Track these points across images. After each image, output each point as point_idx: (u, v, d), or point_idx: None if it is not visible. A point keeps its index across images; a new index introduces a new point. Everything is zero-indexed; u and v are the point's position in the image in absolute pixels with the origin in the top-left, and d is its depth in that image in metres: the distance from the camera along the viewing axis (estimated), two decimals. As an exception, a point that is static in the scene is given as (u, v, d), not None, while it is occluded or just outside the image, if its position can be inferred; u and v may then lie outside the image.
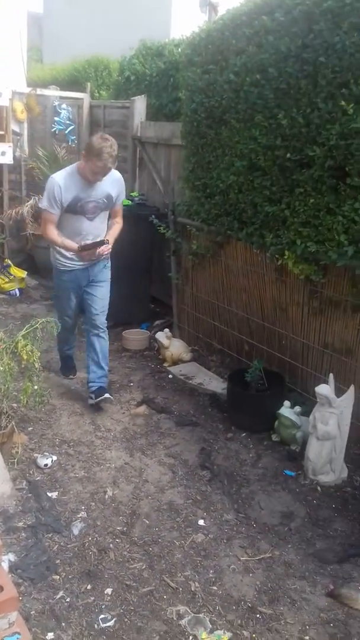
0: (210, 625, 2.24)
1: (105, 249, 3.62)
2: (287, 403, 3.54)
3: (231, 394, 3.89)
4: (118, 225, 3.84)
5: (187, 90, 4.34)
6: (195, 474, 3.22)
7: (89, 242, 3.57)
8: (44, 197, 3.55)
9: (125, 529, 2.75)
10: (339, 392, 3.19)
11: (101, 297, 3.83)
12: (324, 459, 3.16)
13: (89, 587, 2.41)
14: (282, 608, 2.35)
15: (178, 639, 2.18)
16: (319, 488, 3.14)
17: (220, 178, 4.03)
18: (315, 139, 3.14)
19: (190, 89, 4.28)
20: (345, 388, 3.22)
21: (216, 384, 4.27)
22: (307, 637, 2.22)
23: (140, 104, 6.06)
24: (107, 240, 3.63)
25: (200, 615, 2.29)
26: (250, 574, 2.52)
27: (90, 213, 3.59)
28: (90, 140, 3.35)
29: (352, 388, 3.19)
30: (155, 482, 3.12)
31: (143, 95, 6.11)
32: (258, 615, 2.30)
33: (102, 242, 3.58)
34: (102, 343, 3.86)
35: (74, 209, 3.52)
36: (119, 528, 2.76)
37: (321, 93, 3.07)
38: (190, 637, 2.19)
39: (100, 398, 3.76)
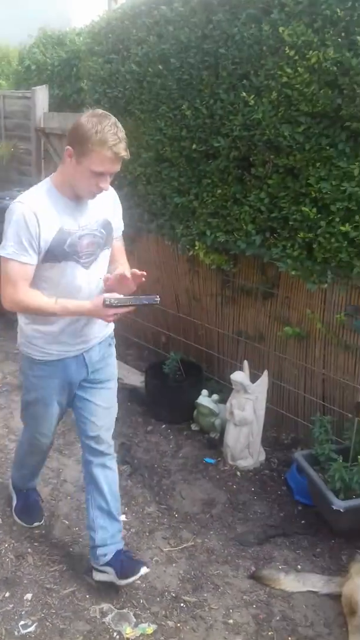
0: (135, 619, 2.23)
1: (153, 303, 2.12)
2: (204, 392, 3.58)
3: (149, 387, 3.89)
4: (123, 267, 2.29)
5: (90, 80, 4.27)
6: (116, 470, 3.19)
7: (118, 297, 2.03)
8: (6, 237, 2.00)
9: (43, 531, 2.68)
10: (254, 377, 3.27)
11: (107, 404, 2.38)
12: (242, 444, 3.23)
13: (7, 594, 2.33)
14: (205, 594, 2.38)
15: (102, 636, 2.16)
16: (238, 473, 3.21)
17: (128, 169, 3.99)
18: (220, 130, 3.18)
19: (93, 79, 4.20)
20: (259, 373, 3.30)
21: (135, 378, 4.24)
22: (230, 621, 2.26)
23: (42, 94, 5.88)
24: (157, 297, 2.12)
25: (124, 610, 2.27)
26: (174, 564, 2.53)
27: (85, 256, 2.10)
28: (76, 123, 1.96)
29: (265, 373, 3.28)
30: (74, 481, 3.06)
31: (45, 85, 5.94)
32: (182, 604, 2.32)
33: (153, 300, 2.09)
34: (110, 477, 2.40)
35: (59, 251, 2.03)
36: (37, 531, 2.68)
37: (223, 84, 3.11)
38: (115, 633, 2.17)
39: (132, 579, 2.31)
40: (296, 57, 2.71)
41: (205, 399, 3.53)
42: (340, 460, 2.66)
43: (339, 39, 2.58)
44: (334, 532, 2.72)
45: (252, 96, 2.93)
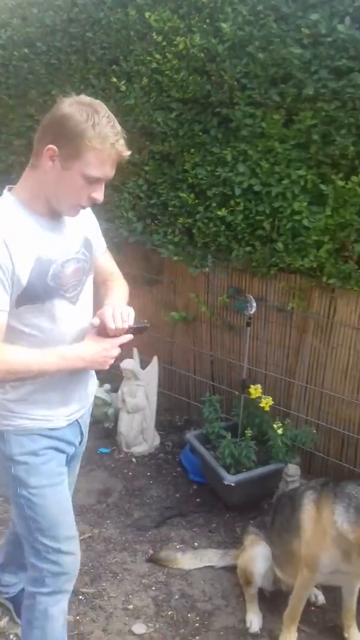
0: (33, 620, 2.18)
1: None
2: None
3: (39, 382, 3.79)
4: (118, 283, 1.94)
5: None
6: (7, 470, 3.08)
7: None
8: None
9: None
10: (145, 364, 3.28)
11: (72, 480, 2.03)
12: (136, 431, 3.25)
13: None
14: (104, 584, 2.37)
15: (-1, 642, 2.10)
16: (133, 459, 3.22)
17: (0, 158, 3.83)
18: (93, 116, 3.13)
19: None
20: (150, 360, 3.32)
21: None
22: (130, 606, 2.27)
23: None
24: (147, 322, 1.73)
25: (21, 612, 2.22)
26: (71, 559, 2.50)
27: (71, 288, 1.59)
28: (61, 115, 1.43)
29: (155, 359, 3.31)
30: None
31: None
32: (81, 597, 2.30)
33: (144, 327, 1.66)
34: None
35: (41, 288, 1.50)
36: None
37: (92, 69, 3.06)
38: (12, 636, 2.11)
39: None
40: (164, 43, 2.72)
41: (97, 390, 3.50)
42: (229, 437, 2.75)
43: (205, 26, 2.62)
44: (228, 507, 2.82)
45: (123, 82, 2.91)
